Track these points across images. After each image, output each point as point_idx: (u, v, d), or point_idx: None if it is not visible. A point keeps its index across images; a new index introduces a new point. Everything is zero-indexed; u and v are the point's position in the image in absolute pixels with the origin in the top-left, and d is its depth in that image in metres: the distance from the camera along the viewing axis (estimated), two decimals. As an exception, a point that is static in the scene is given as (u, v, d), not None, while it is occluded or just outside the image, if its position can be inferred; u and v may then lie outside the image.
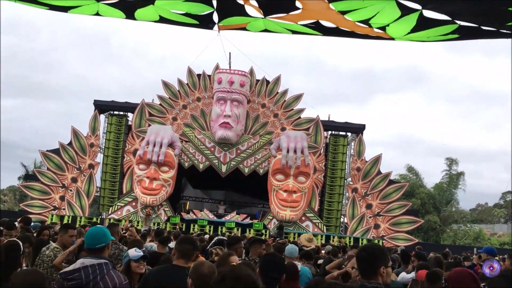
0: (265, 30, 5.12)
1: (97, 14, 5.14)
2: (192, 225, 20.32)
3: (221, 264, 4.03)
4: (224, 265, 3.83)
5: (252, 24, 4.96)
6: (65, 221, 19.81)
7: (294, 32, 5.30)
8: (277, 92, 23.96)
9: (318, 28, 5.09)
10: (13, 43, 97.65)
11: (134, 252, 4.63)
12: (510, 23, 5.51)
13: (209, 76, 23.91)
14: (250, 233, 18.50)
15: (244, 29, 5.13)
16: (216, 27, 5.10)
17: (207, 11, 4.71)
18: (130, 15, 5.07)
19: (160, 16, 5.03)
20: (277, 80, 24.09)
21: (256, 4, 4.42)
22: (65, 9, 5.19)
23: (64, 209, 22.81)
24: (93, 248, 3.52)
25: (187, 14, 4.92)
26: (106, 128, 24.17)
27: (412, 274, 6.52)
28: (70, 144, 23.56)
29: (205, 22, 5.01)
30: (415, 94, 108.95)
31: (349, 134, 24.77)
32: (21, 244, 4.14)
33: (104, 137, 24.06)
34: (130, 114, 24.11)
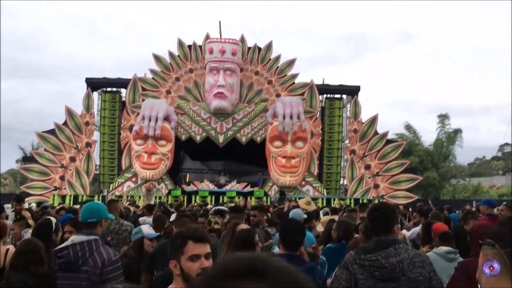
0: None
1: None
2: (193, 197, 20.44)
3: (229, 233, 4.08)
4: (233, 233, 3.88)
5: None
6: (66, 201, 19.93)
7: None
8: (270, 59, 23.71)
9: None
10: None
11: (148, 230, 4.63)
12: None
13: (200, 46, 23.60)
14: (251, 201, 18.63)
15: None
16: None
17: None
18: None
19: None
20: (269, 46, 23.81)
21: None
22: None
23: (65, 188, 22.88)
24: (85, 222, 3.56)
25: None
26: (100, 105, 24.01)
27: (415, 229, 6.55)
28: (65, 123, 23.43)
29: None
30: (407, 52, 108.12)
31: (344, 96, 24.68)
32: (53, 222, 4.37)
33: (99, 115, 23.93)
34: (123, 90, 23.89)
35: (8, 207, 7.51)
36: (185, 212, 7.11)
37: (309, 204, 12.14)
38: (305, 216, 6.85)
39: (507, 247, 1.75)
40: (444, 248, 4.34)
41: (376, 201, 20.21)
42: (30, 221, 6.21)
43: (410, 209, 11.64)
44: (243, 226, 4.36)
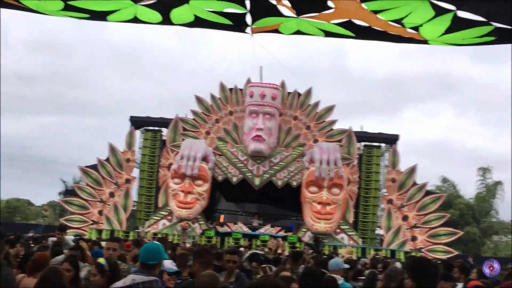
0: (298, 32, 5.21)
1: (135, 19, 5.34)
2: (226, 238, 20.40)
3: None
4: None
5: (285, 25, 5.06)
6: (103, 235, 20.23)
7: (327, 33, 5.37)
8: (309, 104, 23.98)
9: (350, 28, 5.15)
10: (50, 62, 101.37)
11: (169, 265, 4.65)
12: None
13: (241, 89, 24.19)
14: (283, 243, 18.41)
15: (276, 31, 5.25)
16: (249, 29, 5.23)
17: (241, 11, 4.85)
18: (166, 17, 5.25)
19: (195, 15, 5.18)
20: (309, 92, 24.14)
21: (289, 4, 4.54)
22: (104, 16, 5.42)
23: (102, 223, 23.31)
24: (146, 264, 3.59)
25: (221, 13, 5.06)
26: (141, 143, 24.73)
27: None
28: (107, 159, 24.16)
29: (238, 23, 5.14)
30: (446, 102, 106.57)
31: (382, 144, 24.49)
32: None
33: (140, 152, 24.60)
34: (164, 129, 24.60)
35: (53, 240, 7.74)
36: (206, 248, 7.12)
37: (351, 254, 11.89)
38: (347, 265, 6.65)
39: None
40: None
41: (414, 254, 19.58)
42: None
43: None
44: (286, 273, 4.37)
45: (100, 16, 5.54)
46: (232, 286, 4.80)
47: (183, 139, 23.64)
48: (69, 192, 26.54)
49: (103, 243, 5.33)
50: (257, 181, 23.04)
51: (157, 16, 5.23)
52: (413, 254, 19.65)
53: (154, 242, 4.45)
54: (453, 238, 23.15)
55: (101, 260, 4.26)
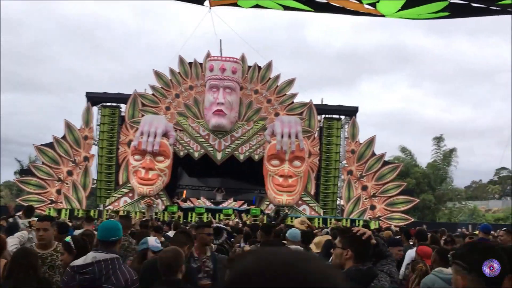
0: (257, 6, 5.11)
1: None
2: (190, 214, 20.40)
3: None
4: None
5: None
6: (62, 215, 19.81)
7: (286, 7, 5.30)
8: (269, 78, 23.94)
9: (309, 3, 5.10)
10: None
11: (154, 243, 4.61)
12: (501, 1, 5.53)
13: (200, 64, 23.83)
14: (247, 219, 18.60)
15: (235, 5, 5.12)
16: (207, 2, 5.08)
17: None
18: None
19: None
20: (269, 65, 24.05)
21: None
22: None
23: (61, 202, 22.80)
24: (106, 241, 3.50)
25: None
26: (99, 120, 24.10)
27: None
28: (64, 137, 23.47)
29: None
30: (403, 74, 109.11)
31: (342, 117, 24.84)
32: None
33: (98, 129, 23.99)
34: (123, 105, 24.02)
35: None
36: (183, 229, 7.10)
37: (303, 224, 12.13)
38: (299, 238, 6.76)
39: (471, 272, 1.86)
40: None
41: (373, 222, 20.24)
42: None
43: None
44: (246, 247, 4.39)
45: None
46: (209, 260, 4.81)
47: (143, 115, 23.19)
48: (24, 172, 25.73)
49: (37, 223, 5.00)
50: (219, 156, 23.00)
51: None
52: (371, 222, 20.30)
53: (111, 219, 4.37)
54: (409, 206, 24.03)
55: (67, 238, 4.21)
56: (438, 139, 36.56)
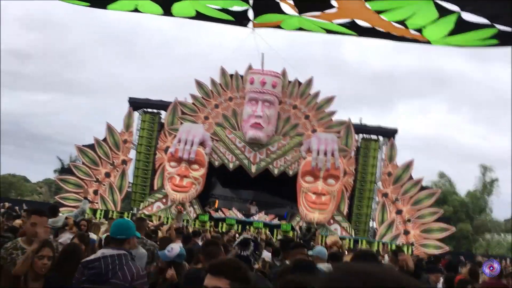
0: (300, 29, 5.14)
1: (136, 10, 5.27)
2: (220, 224, 20.47)
3: None
4: None
5: (287, 22, 4.99)
6: (97, 215, 20.30)
7: (328, 31, 5.31)
8: (309, 94, 23.90)
9: (353, 28, 5.09)
10: (45, 40, 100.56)
11: (164, 253, 4.56)
12: None
13: (241, 76, 24.07)
14: (278, 234, 18.53)
15: (278, 27, 5.18)
16: (250, 24, 5.16)
17: (243, 7, 4.78)
18: (167, 10, 5.18)
19: (196, 11, 5.12)
20: (309, 82, 24.03)
21: (291, 2, 4.47)
22: (104, 4, 5.34)
23: (97, 202, 23.34)
24: (114, 238, 3.67)
25: (223, 10, 5.00)
26: (139, 125, 24.64)
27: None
28: (104, 139, 24.11)
29: (240, 19, 5.07)
30: (440, 98, 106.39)
31: (380, 138, 24.48)
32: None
33: (138, 134, 24.53)
34: (163, 112, 24.51)
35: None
36: (214, 240, 7.12)
37: (335, 245, 11.94)
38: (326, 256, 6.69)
39: None
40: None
41: (406, 248, 19.72)
42: None
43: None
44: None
45: (100, 4, 5.46)
46: None
47: (181, 123, 23.57)
48: (65, 170, 26.57)
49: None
50: (253, 168, 23.05)
51: (158, 9, 5.16)
52: (405, 247, 19.79)
53: (124, 218, 4.47)
54: (445, 234, 23.28)
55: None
56: (485, 168, 35.33)
